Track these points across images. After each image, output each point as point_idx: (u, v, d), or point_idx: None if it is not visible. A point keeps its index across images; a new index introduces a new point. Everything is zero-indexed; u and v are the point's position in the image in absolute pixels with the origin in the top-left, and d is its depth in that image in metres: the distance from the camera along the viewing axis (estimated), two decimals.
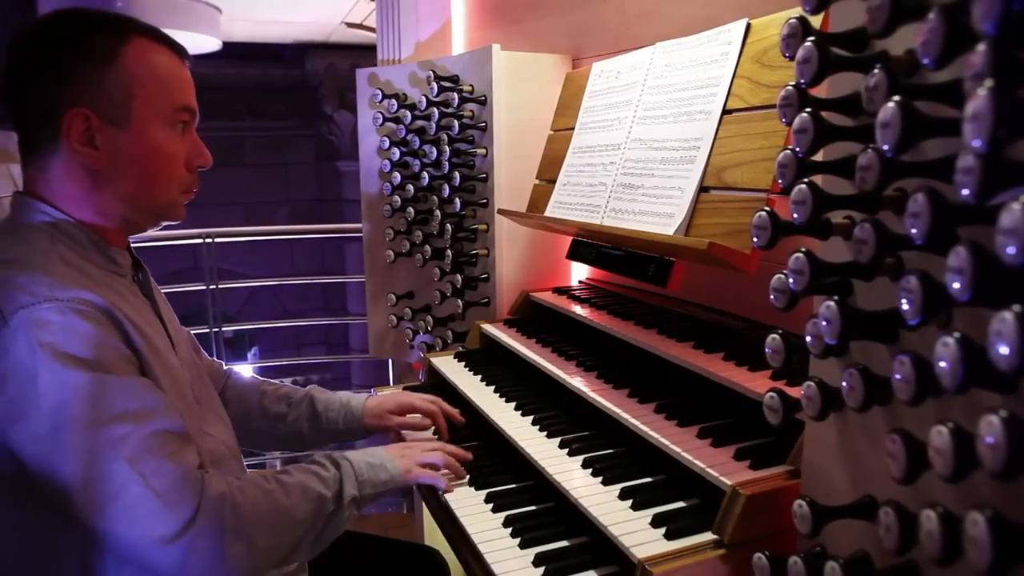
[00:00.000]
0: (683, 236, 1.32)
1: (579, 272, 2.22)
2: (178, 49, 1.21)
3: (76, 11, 1.16)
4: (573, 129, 1.84)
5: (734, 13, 1.44)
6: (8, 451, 1.01)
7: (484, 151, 2.07)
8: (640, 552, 1.01)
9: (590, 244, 1.73)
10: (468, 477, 1.42)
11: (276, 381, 1.66)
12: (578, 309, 1.82)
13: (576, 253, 1.80)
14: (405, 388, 1.93)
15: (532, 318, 2.01)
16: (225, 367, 1.67)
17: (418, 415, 1.61)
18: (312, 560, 1.45)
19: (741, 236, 1.19)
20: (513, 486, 1.40)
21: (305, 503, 1.16)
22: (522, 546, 1.19)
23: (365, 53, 7.86)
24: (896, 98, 0.62)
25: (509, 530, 1.23)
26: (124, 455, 0.99)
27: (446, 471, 1.39)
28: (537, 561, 1.14)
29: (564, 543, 1.20)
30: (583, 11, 2.08)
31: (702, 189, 1.32)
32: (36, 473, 1.01)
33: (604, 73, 1.76)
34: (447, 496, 1.37)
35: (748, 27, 1.30)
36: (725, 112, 1.31)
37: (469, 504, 1.34)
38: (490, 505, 1.32)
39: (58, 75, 1.11)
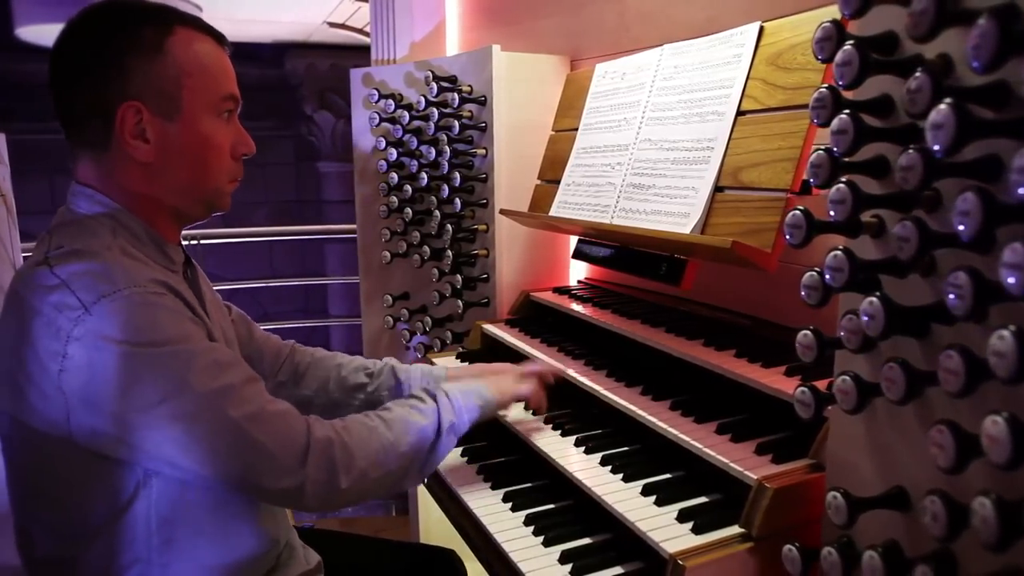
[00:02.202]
0: (701, 235, 1.34)
1: (577, 272, 2.23)
2: (219, 37, 1.21)
3: (120, 3, 1.15)
4: (576, 130, 1.85)
5: (735, 15, 1.46)
6: (87, 429, 1.02)
7: (484, 151, 2.07)
8: (670, 547, 1.02)
9: (597, 244, 1.74)
10: (488, 482, 1.43)
11: (345, 354, 1.68)
12: (582, 308, 1.83)
13: (581, 253, 1.81)
14: (459, 356, 1.93)
15: (533, 318, 2.01)
16: (285, 341, 1.67)
17: None
18: (327, 565, 1.44)
19: (760, 235, 1.21)
20: (529, 485, 1.40)
21: (408, 435, 1.23)
22: (545, 544, 1.20)
23: (346, 53, 7.82)
24: (948, 100, 0.64)
25: (531, 529, 1.24)
26: (229, 411, 1.04)
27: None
28: (563, 559, 1.15)
29: (587, 540, 1.21)
30: (581, 13, 2.09)
31: (717, 189, 1.34)
32: (130, 439, 1.02)
33: (609, 74, 1.77)
34: (462, 495, 1.38)
35: (761, 30, 1.32)
36: (740, 113, 1.33)
37: (487, 503, 1.34)
38: (508, 504, 1.33)
39: (111, 67, 1.10)
